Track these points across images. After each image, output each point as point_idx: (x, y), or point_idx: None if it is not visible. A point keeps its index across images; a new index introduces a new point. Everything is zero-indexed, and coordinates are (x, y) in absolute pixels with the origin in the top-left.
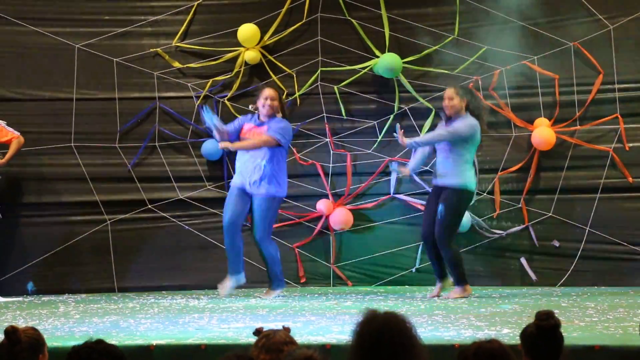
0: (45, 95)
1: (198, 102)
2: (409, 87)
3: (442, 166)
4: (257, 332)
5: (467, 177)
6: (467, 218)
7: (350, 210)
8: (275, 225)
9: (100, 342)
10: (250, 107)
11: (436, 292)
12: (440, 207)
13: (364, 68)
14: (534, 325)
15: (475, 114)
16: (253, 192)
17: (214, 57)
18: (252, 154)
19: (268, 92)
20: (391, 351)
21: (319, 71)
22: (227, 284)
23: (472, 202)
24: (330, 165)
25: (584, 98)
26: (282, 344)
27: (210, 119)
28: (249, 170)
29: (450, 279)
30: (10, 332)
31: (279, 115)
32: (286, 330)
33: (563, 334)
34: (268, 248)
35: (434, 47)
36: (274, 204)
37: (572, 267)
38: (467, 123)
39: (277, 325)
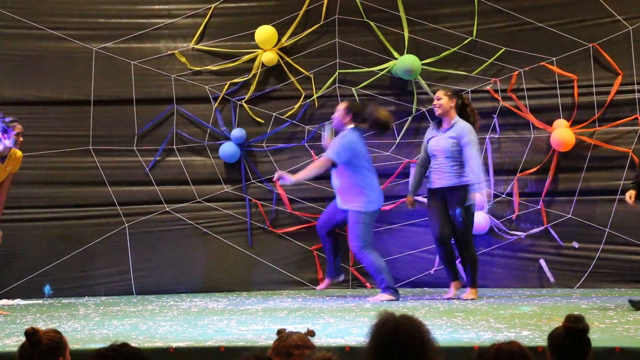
0: (63, 98)
1: (215, 104)
2: (427, 88)
3: (444, 169)
4: (279, 333)
5: (466, 175)
6: (485, 220)
7: None
8: (293, 228)
9: (124, 346)
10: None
11: (452, 293)
12: (459, 210)
13: (382, 69)
14: (563, 327)
15: (465, 117)
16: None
17: (231, 59)
18: (332, 172)
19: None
20: (403, 354)
21: (336, 73)
22: (325, 283)
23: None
24: None
25: (603, 99)
26: (293, 347)
27: None
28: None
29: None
30: (31, 333)
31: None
32: (310, 333)
33: None
34: (363, 260)
35: (453, 49)
36: (359, 217)
37: (592, 268)
38: (469, 130)
39: (296, 327)
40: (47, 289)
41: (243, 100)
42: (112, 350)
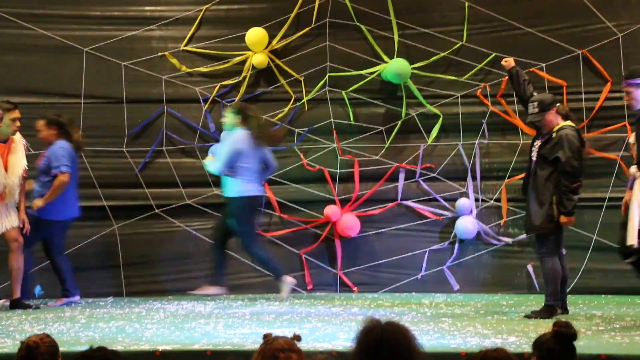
0: (53, 99)
1: (205, 106)
2: (416, 92)
3: None
4: (265, 337)
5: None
6: (473, 225)
7: (357, 216)
8: (281, 232)
9: (99, 350)
10: None
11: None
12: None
13: (372, 73)
14: (552, 332)
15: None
16: None
17: (222, 61)
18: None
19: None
20: None
21: (327, 76)
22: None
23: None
24: (338, 170)
25: (591, 106)
26: (279, 350)
27: None
28: None
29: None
30: (33, 347)
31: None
32: (296, 337)
33: None
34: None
35: (442, 54)
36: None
37: (579, 275)
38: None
39: (283, 332)
40: (37, 289)
41: (233, 102)
42: (85, 356)
